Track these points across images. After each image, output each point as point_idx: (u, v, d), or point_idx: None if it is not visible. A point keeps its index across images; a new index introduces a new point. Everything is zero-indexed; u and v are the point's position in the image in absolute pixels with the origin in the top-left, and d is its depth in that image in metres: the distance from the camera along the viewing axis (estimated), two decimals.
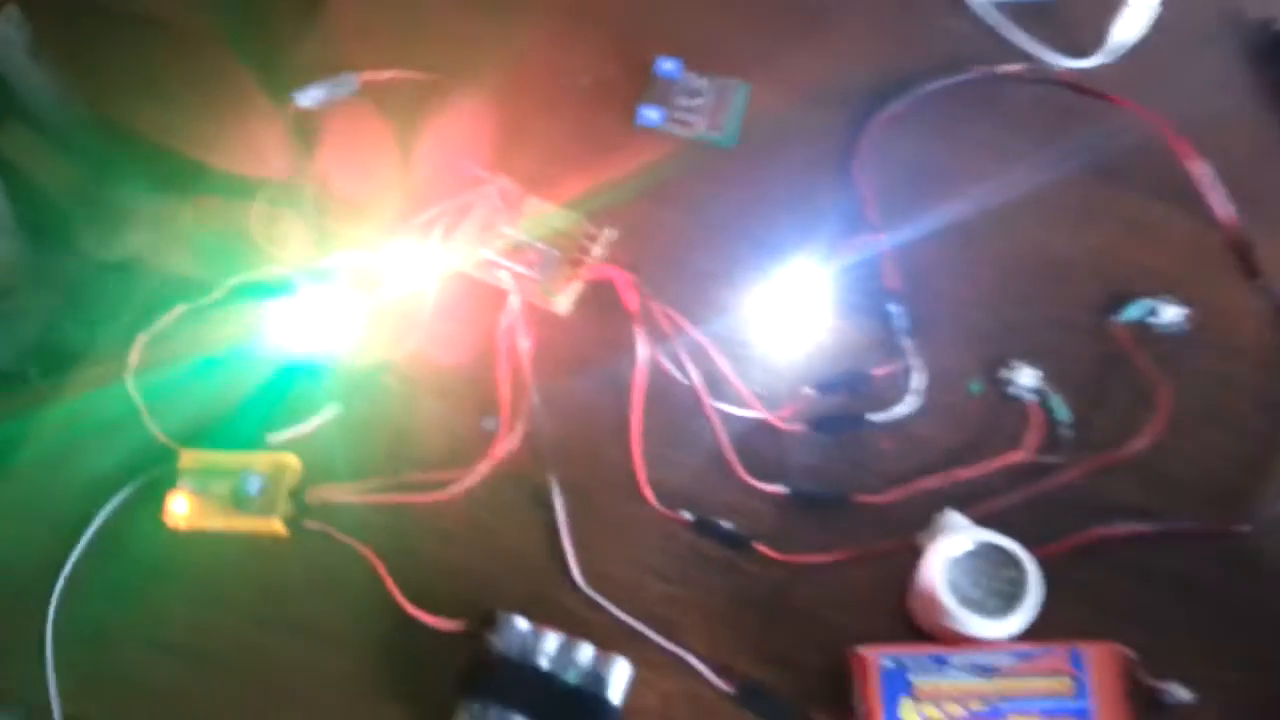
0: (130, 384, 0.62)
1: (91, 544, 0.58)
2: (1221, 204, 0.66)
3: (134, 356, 0.63)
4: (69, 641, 0.57)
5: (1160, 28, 0.71)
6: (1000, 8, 0.73)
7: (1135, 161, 0.68)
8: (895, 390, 0.62)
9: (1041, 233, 0.67)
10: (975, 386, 0.59)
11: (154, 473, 0.59)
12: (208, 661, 0.57)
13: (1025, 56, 0.72)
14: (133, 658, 0.57)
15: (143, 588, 0.58)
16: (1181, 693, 0.53)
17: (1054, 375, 0.62)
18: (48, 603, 0.57)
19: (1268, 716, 0.55)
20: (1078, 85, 0.71)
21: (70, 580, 0.58)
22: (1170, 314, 0.63)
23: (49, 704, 0.55)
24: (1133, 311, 0.63)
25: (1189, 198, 0.67)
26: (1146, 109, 0.69)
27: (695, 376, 0.62)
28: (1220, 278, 0.65)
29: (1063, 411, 0.61)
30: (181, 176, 0.72)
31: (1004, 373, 0.62)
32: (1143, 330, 0.63)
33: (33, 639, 0.56)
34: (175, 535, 0.59)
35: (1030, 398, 0.61)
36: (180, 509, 0.58)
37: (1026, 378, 0.62)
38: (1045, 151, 0.69)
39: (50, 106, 1.37)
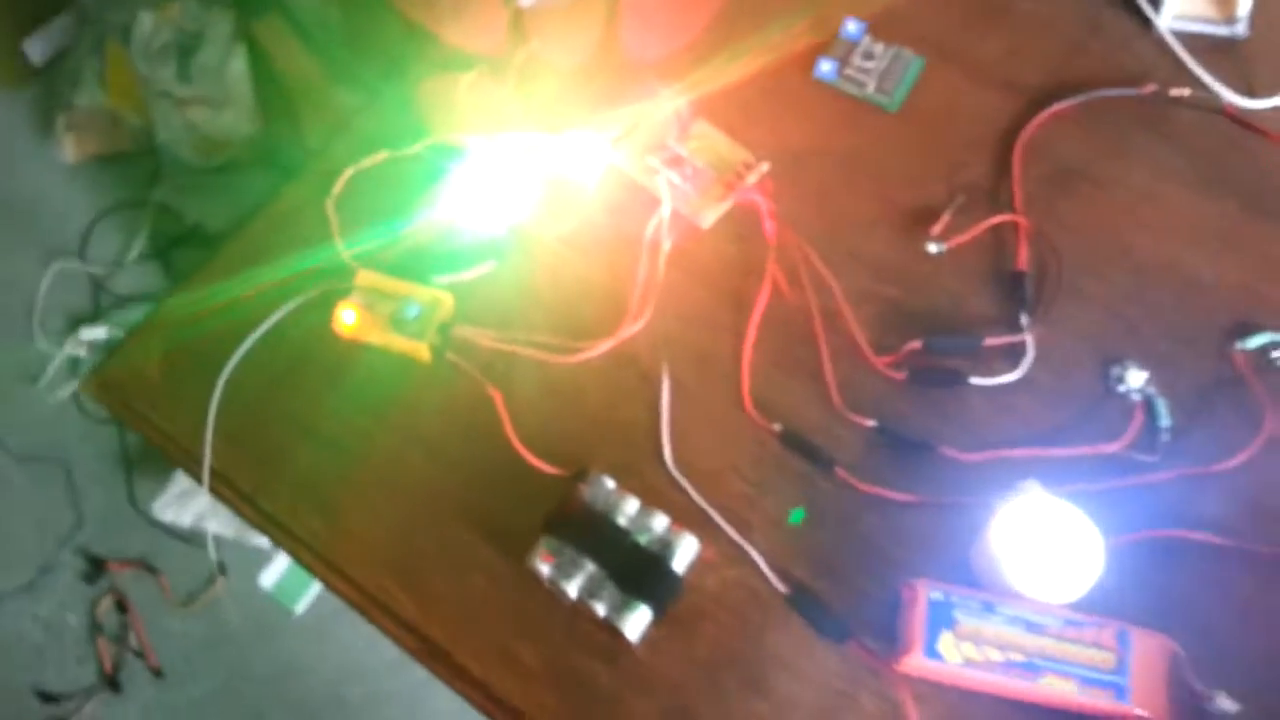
0: (330, 208, 0.65)
1: (268, 333, 0.62)
2: None
3: (338, 186, 0.66)
4: (230, 409, 0.60)
5: None
6: (1183, 37, 0.69)
7: None
8: (1004, 364, 0.59)
9: (1184, 250, 0.63)
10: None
11: (334, 285, 0.62)
12: (342, 452, 0.60)
13: (1199, 85, 0.67)
14: (279, 435, 0.60)
15: (302, 380, 0.62)
16: (1227, 703, 0.50)
17: (1164, 383, 0.58)
18: (220, 374, 0.61)
19: None
20: (1242, 119, 0.66)
21: (244, 359, 0.61)
22: None
23: (203, 456, 0.59)
24: (1257, 341, 0.59)
25: None
26: None
27: (814, 306, 0.61)
28: None
29: (1165, 417, 0.57)
30: (406, 64, 0.75)
31: (1116, 370, 0.59)
32: (1262, 361, 0.59)
33: (203, 401, 0.60)
34: (340, 343, 0.62)
35: (1136, 397, 0.58)
36: (348, 319, 0.61)
37: (1136, 378, 0.58)
38: (1202, 175, 0.65)
39: (307, 3, 1.44)
